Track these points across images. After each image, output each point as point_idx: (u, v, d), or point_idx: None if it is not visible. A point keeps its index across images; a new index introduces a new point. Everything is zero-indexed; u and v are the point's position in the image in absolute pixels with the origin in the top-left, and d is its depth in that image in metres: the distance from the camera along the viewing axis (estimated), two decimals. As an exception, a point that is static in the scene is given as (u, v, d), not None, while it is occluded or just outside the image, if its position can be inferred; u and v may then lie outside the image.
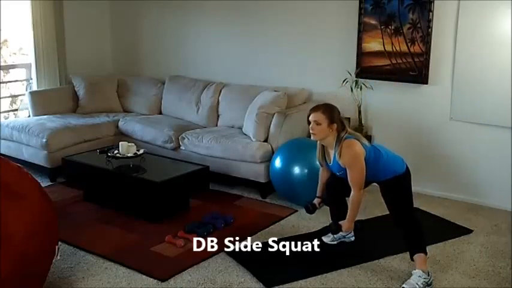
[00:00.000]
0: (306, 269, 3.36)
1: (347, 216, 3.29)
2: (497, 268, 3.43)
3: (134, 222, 4.08)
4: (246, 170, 4.69)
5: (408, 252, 3.24)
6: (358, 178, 3.19)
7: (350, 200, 3.26)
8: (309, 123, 3.29)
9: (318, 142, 3.39)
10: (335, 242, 3.74)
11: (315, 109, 3.30)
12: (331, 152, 3.32)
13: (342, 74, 4.89)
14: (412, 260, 3.21)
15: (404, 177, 3.28)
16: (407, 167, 3.32)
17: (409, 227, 3.23)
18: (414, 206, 3.37)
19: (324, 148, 3.40)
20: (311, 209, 3.58)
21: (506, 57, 4.21)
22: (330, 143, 3.29)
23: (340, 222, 3.30)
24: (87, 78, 6.03)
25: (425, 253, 3.19)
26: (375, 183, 3.38)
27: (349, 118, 4.86)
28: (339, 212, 3.56)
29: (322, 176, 3.61)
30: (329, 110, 3.28)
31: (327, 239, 3.77)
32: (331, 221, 3.48)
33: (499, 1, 4.19)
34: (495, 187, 4.48)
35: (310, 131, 3.30)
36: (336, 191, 3.52)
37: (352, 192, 3.23)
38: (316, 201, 3.61)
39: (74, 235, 3.82)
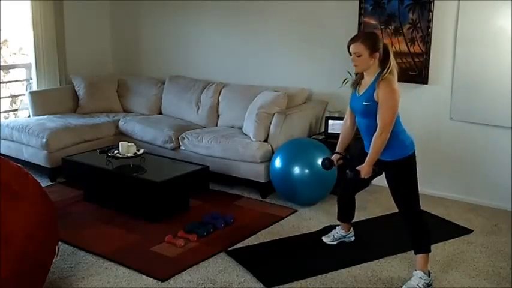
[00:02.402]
0: (306, 269, 3.36)
1: (366, 159, 3.08)
2: (497, 268, 3.43)
3: (134, 222, 4.08)
4: (246, 170, 4.69)
5: (408, 252, 3.23)
6: (389, 115, 2.98)
7: (373, 140, 3.03)
8: (350, 54, 3.09)
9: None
10: (335, 242, 3.74)
11: (354, 39, 3.09)
12: (369, 80, 3.10)
13: (342, 74, 4.88)
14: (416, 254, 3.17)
15: (411, 160, 3.16)
16: (414, 151, 3.19)
17: (415, 219, 3.15)
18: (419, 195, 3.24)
19: (361, 77, 3.19)
20: (327, 165, 3.36)
21: (506, 57, 4.21)
22: (372, 72, 3.08)
23: (358, 168, 3.10)
24: (87, 78, 6.03)
25: (429, 252, 3.15)
26: (375, 184, 3.36)
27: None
28: (346, 208, 3.55)
29: (344, 128, 3.42)
30: (370, 38, 3.08)
31: (326, 239, 3.76)
32: (347, 171, 3.19)
33: (499, 1, 4.19)
34: (495, 187, 4.48)
35: (352, 63, 3.11)
36: (350, 188, 3.47)
37: (376, 132, 3.02)
38: (334, 157, 3.39)
39: (74, 235, 3.82)
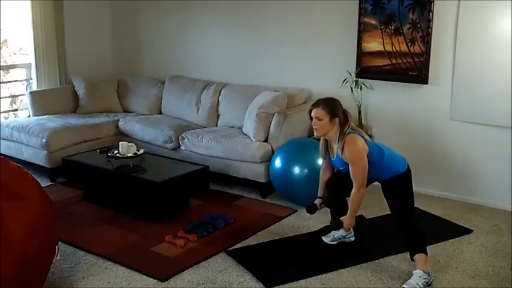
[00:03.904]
0: (306, 269, 3.36)
1: (348, 212, 3.28)
2: (497, 268, 3.43)
3: (134, 222, 4.08)
4: (246, 170, 4.69)
5: (408, 252, 3.24)
6: (360, 174, 3.17)
7: (351, 197, 3.23)
8: (311, 119, 3.27)
9: (322, 137, 3.37)
10: (335, 242, 3.74)
11: (315, 105, 3.26)
12: (335, 147, 3.29)
13: (342, 74, 4.89)
14: (413, 260, 3.21)
15: (406, 176, 3.27)
16: (408, 166, 3.31)
17: (409, 227, 3.22)
18: (414, 206, 3.37)
19: (327, 142, 3.37)
20: (312, 210, 3.56)
21: (506, 57, 4.21)
22: (333, 137, 3.26)
23: (341, 218, 3.29)
24: (87, 78, 6.03)
25: (426, 253, 3.19)
26: (376, 183, 3.38)
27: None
28: (339, 212, 3.56)
29: (323, 176, 3.58)
30: (330, 105, 3.24)
31: (326, 239, 3.77)
32: (331, 221, 3.46)
33: (499, 1, 4.19)
34: (495, 187, 4.48)
35: (314, 127, 3.28)
36: (337, 189, 3.51)
37: (353, 189, 3.21)
38: (317, 201, 3.58)
39: (74, 235, 3.82)
